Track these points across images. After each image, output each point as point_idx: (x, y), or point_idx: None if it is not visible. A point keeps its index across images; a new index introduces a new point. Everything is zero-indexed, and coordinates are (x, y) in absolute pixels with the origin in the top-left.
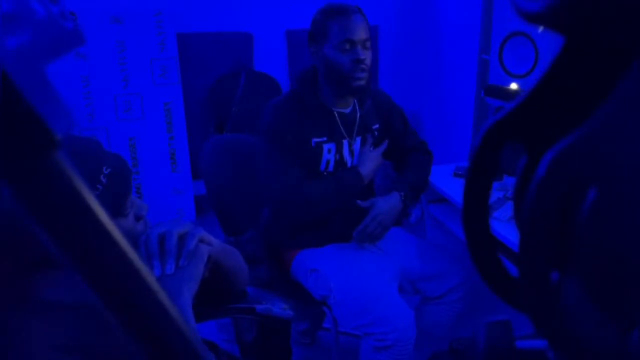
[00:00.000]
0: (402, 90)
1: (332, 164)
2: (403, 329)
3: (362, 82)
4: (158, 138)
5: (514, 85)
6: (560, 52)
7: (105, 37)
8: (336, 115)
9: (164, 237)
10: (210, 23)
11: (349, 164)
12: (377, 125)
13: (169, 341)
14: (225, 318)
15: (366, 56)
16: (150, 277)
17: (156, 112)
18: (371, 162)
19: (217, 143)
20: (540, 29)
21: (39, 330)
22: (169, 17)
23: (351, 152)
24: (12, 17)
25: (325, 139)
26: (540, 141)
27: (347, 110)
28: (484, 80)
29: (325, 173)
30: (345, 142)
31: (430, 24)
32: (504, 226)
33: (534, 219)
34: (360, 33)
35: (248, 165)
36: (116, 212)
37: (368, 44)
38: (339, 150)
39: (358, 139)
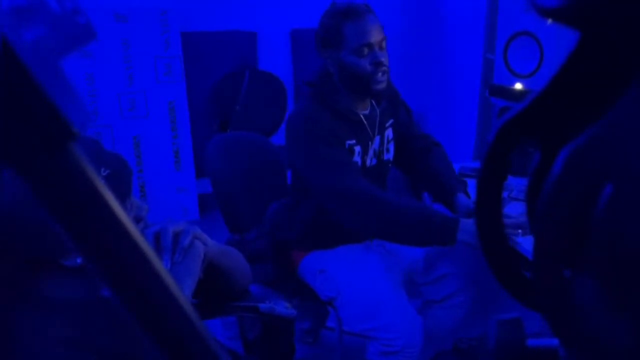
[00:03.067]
0: (406, 89)
1: (359, 167)
2: (410, 335)
3: (384, 85)
4: (162, 136)
5: (518, 85)
6: (575, 48)
7: (110, 35)
8: (362, 117)
9: (159, 234)
10: (214, 22)
11: (367, 164)
12: (391, 121)
13: (184, 336)
14: (229, 316)
15: (384, 57)
16: (163, 270)
17: (160, 110)
18: (467, 231)
19: (224, 140)
20: (549, 22)
21: (43, 326)
22: (174, 16)
23: (374, 152)
24: (28, 11)
25: (354, 141)
26: (554, 139)
27: (368, 112)
28: (489, 80)
29: None
30: (369, 143)
31: (434, 23)
32: None
33: (550, 217)
34: (376, 34)
35: (255, 163)
36: None
37: (384, 43)
38: (365, 152)
39: (377, 139)
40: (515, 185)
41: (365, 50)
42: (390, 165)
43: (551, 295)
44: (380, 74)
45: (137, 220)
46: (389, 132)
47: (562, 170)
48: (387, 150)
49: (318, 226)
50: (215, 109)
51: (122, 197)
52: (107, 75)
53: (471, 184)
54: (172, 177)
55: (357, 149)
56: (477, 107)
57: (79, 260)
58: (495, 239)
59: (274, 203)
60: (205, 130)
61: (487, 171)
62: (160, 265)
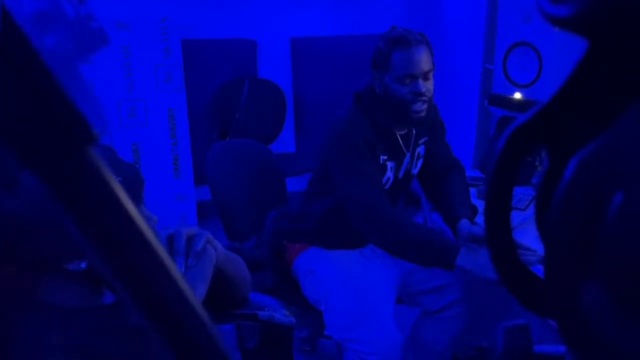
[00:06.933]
0: None
1: (390, 181)
2: (386, 353)
3: (422, 114)
4: (161, 144)
5: (518, 95)
6: (585, 56)
7: (111, 43)
8: (398, 137)
9: (172, 237)
10: (215, 30)
11: (399, 177)
12: (425, 139)
13: (198, 341)
14: (227, 324)
15: (426, 88)
16: (178, 274)
17: (160, 117)
18: (468, 259)
19: (224, 148)
20: (555, 31)
21: (43, 332)
22: (174, 24)
23: (405, 168)
24: (47, 17)
25: (387, 156)
26: (563, 147)
27: (405, 132)
28: (488, 90)
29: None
30: (402, 159)
31: (433, 33)
32: None
33: (561, 224)
34: (422, 66)
35: (254, 171)
36: None
37: (430, 74)
38: (399, 167)
39: (408, 155)
40: (516, 194)
41: (408, 80)
42: (414, 178)
43: (562, 302)
44: (419, 103)
45: None
46: (420, 149)
47: (573, 178)
48: (415, 166)
49: (326, 222)
50: (215, 116)
51: None
52: (107, 83)
53: (470, 192)
54: (171, 185)
55: (391, 164)
56: (476, 116)
57: (83, 265)
58: (504, 245)
59: (273, 211)
60: (204, 138)
61: (496, 178)
62: (175, 270)
